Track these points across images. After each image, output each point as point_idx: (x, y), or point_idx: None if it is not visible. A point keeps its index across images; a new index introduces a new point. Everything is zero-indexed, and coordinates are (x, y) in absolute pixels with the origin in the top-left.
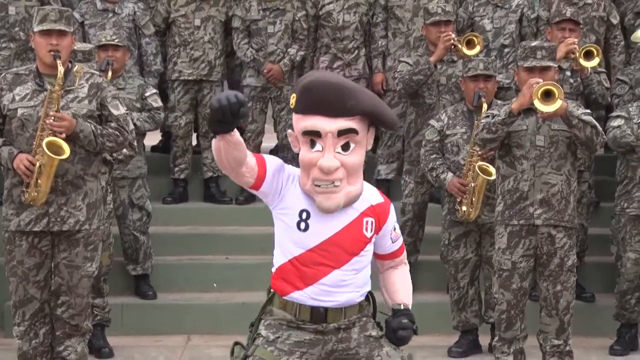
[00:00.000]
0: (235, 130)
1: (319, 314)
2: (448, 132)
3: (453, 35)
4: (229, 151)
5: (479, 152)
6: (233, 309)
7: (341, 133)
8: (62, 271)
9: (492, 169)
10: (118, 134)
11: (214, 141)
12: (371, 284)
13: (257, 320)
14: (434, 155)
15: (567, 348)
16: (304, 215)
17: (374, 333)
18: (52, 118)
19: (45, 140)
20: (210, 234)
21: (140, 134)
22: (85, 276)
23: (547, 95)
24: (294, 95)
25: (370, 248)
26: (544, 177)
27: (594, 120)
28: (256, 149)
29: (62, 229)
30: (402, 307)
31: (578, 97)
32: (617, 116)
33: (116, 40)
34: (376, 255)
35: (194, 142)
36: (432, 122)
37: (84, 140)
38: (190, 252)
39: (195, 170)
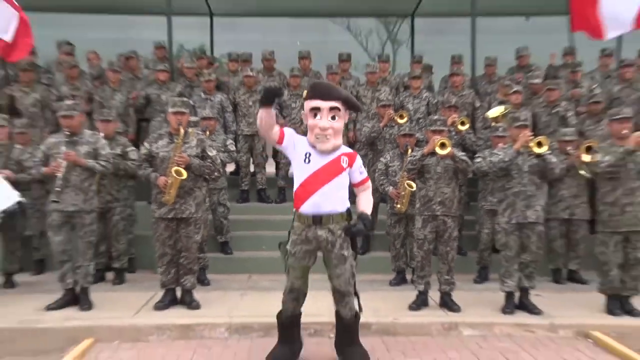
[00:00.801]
0: (272, 107)
1: (317, 218)
2: (390, 165)
3: (392, 112)
4: (267, 118)
5: (407, 176)
6: (272, 260)
7: (331, 109)
8: (182, 239)
9: (413, 185)
10: (211, 166)
11: (260, 110)
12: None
13: (288, 234)
14: (382, 177)
15: (452, 280)
16: (308, 155)
17: (345, 253)
18: (177, 157)
19: (173, 169)
20: (261, 219)
21: (224, 165)
22: (194, 242)
23: (442, 145)
24: (305, 91)
25: (345, 175)
26: (441, 188)
27: (467, 159)
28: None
29: (182, 216)
30: (362, 213)
31: (457, 146)
32: (478, 156)
33: (211, 115)
34: (353, 185)
35: (252, 169)
36: (381, 159)
37: (193, 169)
38: (250, 229)
39: (253, 185)
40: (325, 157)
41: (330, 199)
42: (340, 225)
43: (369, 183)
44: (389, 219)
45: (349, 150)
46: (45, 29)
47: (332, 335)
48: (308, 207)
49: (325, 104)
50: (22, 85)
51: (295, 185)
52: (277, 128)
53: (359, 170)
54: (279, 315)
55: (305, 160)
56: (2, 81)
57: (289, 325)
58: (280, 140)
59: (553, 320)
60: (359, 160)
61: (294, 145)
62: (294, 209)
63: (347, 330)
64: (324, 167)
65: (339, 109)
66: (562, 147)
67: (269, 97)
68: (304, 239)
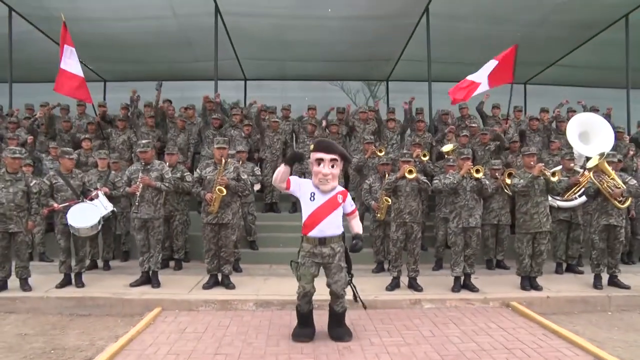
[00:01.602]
0: (283, 166)
1: (322, 240)
2: (372, 185)
3: (374, 148)
4: (283, 174)
5: (384, 193)
6: (287, 255)
7: (331, 159)
8: (222, 238)
9: (389, 200)
10: (244, 186)
11: (281, 166)
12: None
13: (298, 253)
14: (367, 195)
15: (417, 269)
16: (313, 194)
17: (342, 264)
18: (219, 179)
19: (217, 188)
20: (279, 224)
21: (252, 185)
22: (231, 240)
23: (410, 172)
24: (312, 144)
25: (341, 208)
26: (409, 203)
27: (427, 181)
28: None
29: (222, 222)
30: (357, 234)
31: (421, 172)
32: (435, 179)
33: (244, 149)
34: (345, 214)
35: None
36: (366, 181)
37: (231, 188)
38: (271, 232)
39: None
40: (326, 195)
41: (331, 226)
42: (339, 244)
43: (357, 212)
44: (371, 225)
45: (342, 188)
46: (128, 91)
47: None
48: (315, 233)
49: (327, 156)
50: (117, 130)
51: (304, 217)
52: (286, 176)
53: (350, 204)
54: (298, 310)
55: (310, 199)
56: (99, 130)
57: (305, 317)
58: (288, 187)
59: (486, 295)
60: (349, 197)
61: (299, 187)
62: (303, 234)
63: (338, 319)
64: (325, 203)
65: (337, 160)
66: (492, 173)
67: (294, 160)
68: (312, 254)
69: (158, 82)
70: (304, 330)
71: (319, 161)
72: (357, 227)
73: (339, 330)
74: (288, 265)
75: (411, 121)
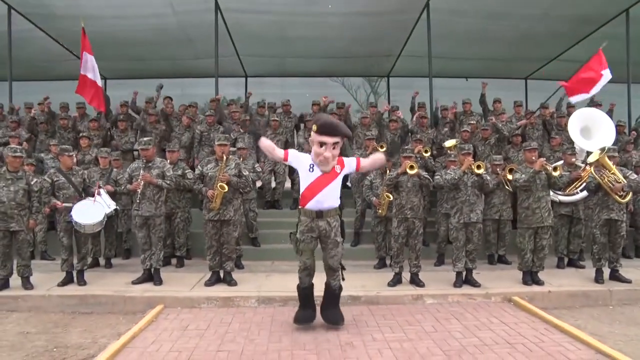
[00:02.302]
0: (262, 140)
1: (319, 213)
2: (373, 181)
3: (375, 144)
4: (264, 147)
5: (386, 189)
6: (289, 251)
7: (334, 142)
8: (224, 235)
9: (391, 196)
10: (245, 182)
11: (259, 145)
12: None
13: (296, 226)
14: (368, 191)
15: (419, 264)
16: (312, 165)
17: (338, 239)
18: (221, 176)
19: (218, 184)
20: (280, 221)
21: (253, 182)
22: (233, 237)
23: (411, 167)
24: (314, 125)
25: (339, 178)
26: (411, 198)
27: (429, 177)
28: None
29: (224, 219)
30: (388, 145)
31: (422, 168)
32: (437, 175)
33: (244, 146)
34: (357, 170)
35: (273, 185)
36: (367, 177)
37: (232, 185)
38: (273, 228)
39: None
40: (319, 169)
41: (328, 198)
42: (335, 218)
43: (362, 159)
44: (373, 221)
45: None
46: (128, 88)
47: None
48: (312, 205)
49: (330, 140)
50: (119, 131)
51: (302, 189)
52: (281, 151)
53: (350, 162)
54: (298, 287)
55: (309, 170)
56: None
57: (306, 294)
58: (285, 158)
59: (488, 290)
60: (347, 160)
61: (298, 160)
62: (300, 207)
63: (332, 297)
64: (322, 176)
65: (338, 142)
66: (494, 168)
67: (256, 137)
68: (309, 228)
69: (159, 84)
70: (306, 312)
71: (322, 143)
72: (374, 159)
73: (334, 311)
74: (290, 262)
75: (412, 111)
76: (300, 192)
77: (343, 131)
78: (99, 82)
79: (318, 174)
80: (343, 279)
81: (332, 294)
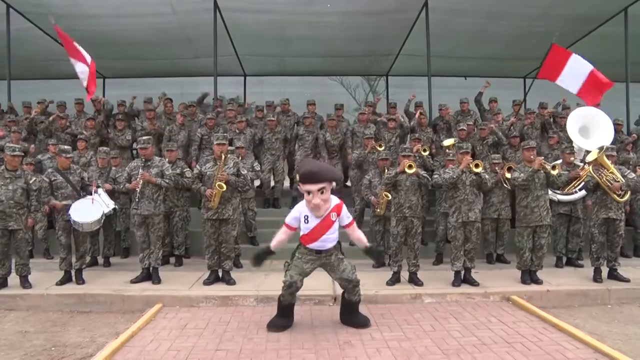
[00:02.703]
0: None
1: (320, 252)
2: (372, 180)
3: (374, 143)
4: (280, 244)
5: (384, 188)
6: (287, 250)
7: (319, 189)
8: (222, 234)
9: (389, 195)
10: (244, 181)
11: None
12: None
13: (292, 255)
14: (366, 190)
15: (417, 263)
16: (306, 217)
17: (340, 256)
18: (219, 175)
19: (217, 183)
20: (278, 220)
21: (252, 181)
22: (231, 236)
23: (410, 166)
24: (298, 175)
25: (336, 225)
26: (409, 197)
27: (427, 176)
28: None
29: (223, 218)
30: (369, 245)
31: (421, 167)
32: (435, 174)
33: (243, 145)
34: (343, 227)
35: (272, 184)
36: (366, 176)
37: (231, 184)
38: (271, 227)
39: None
40: (317, 216)
41: (328, 242)
42: (335, 247)
43: (354, 223)
44: (371, 220)
45: (337, 201)
46: (127, 88)
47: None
48: (313, 246)
49: (314, 187)
50: (117, 130)
51: (301, 234)
52: (284, 230)
53: (346, 216)
54: (279, 301)
55: (305, 221)
56: (101, 125)
57: (286, 308)
58: (293, 230)
59: (486, 290)
60: (344, 209)
61: (296, 217)
62: (301, 242)
63: (353, 308)
64: (320, 223)
65: (325, 187)
66: (492, 167)
67: (258, 264)
68: (310, 259)
69: (163, 93)
70: (281, 320)
71: (308, 192)
72: (362, 237)
73: (356, 317)
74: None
75: (406, 113)
76: (300, 235)
77: (326, 176)
78: (88, 65)
79: (315, 222)
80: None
81: (353, 305)
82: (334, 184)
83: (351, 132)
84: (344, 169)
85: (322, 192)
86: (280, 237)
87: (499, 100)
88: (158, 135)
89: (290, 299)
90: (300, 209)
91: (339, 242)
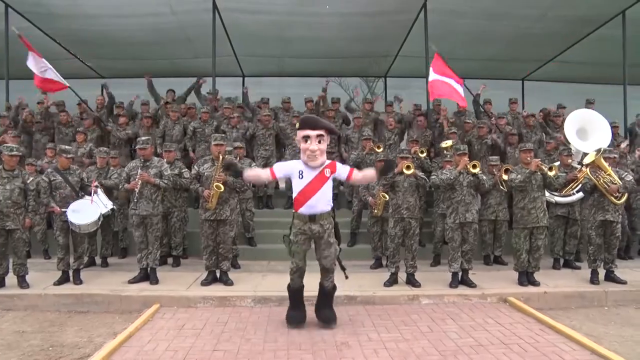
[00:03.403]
0: (245, 173)
1: (312, 217)
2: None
3: (372, 144)
4: (251, 178)
5: (382, 189)
6: (285, 251)
7: (318, 135)
8: (220, 235)
9: (387, 196)
10: (242, 181)
11: (244, 177)
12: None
13: (290, 229)
14: (364, 190)
15: (415, 264)
16: (301, 172)
17: (331, 240)
18: (217, 176)
19: (215, 184)
20: (276, 221)
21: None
22: (229, 237)
23: (408, 167)
24: (297, 124)
25: (330, 182)
26: (407, 198)
27: (425, 177)
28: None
29: (221, 218)
30: (383, 163)
31: (418, 168)
32: (433, 175)
33: (241, 145)
34: (346, 180)
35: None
36: None
37: (229, 184)
38: (269, 228)
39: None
40: (314, 171)
41: (320, 202)
42: (328, 220)
43: (355, 171)
44: (369, 221)
45: (330, 161)
46: (126, 88)
47: None
48: (305, 209)
49: (313, 132)
50: (118, 124)
51: (294, 194)
52: (267, 171)
53: (342, 170)
54: (289, 288)
55: (299, 176)
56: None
57: (297, 295)
58: (273, 176)
59: (484, 291)
60: (339, 165)
61: (286, 169)
62: (294, 211)
63: (326, 296)
64: (314, 179)
65: (323, 135)
66: (490, 169)
67: (236, 174)
68: (303, 231)
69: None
70: (296, 313)
71: (306, 138)
72: (366, 173)
73: (327, 312)
74: (287, 262)
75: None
76: (293, 197)
77: (325, 124)
78: (43, 75)
79: (309, 179)
80: (347, 277)
81: (325, 293)
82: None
83: (345, 137)
84: None
85: (319, 142)
86: (258, 171)
87: (498, 101)
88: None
89: (300, 281)
90: (294, 164)
91: (333, 212)
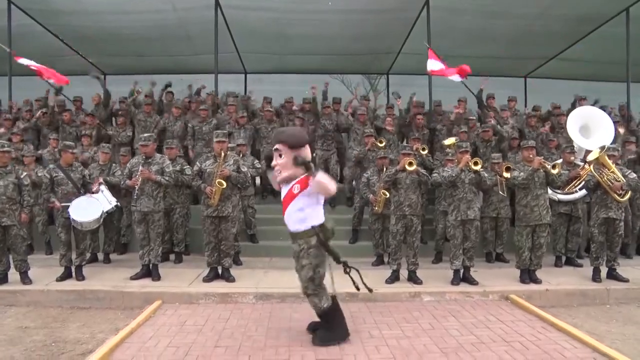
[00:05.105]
0: (319, 174)
1: (291, 234)
2: (370, 178)
3: (374, 140)
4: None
5: (383, 186)
6: (287, 248)
7: (275, 149)
8: (222, 231)
9: (387, 193)
10: (244, 177)
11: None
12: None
13: None
14: (365, 188)
15: (416, 262)
16: (281, 188)
17: (303, 263)
18: (219, 172)
19: (217, 180)
20: (278, 218)
21: (253, 178)
22: (231, 233)
23: (410, 164)
24: None
25: (299, 199)
26: (409, 196)
27: (427, 174)
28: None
29: (223, 215)
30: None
31: (420, 165)
32: (435, 172)
33: (243, 142)
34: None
35: None
36: (364, 174)
37: (231, 179)
38: (271, 225)
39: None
40: (286, 187)
41: (290, 220)
42: (305, 240)
43: (319, 175)
44: (370, 218)
45: (303, 176)
46: (128, 84)
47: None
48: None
49: (273, 148)
50: (118, 127)
51: None
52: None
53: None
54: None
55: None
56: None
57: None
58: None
59: (485, 288)
60: (312, 180)
61: None
62: None
63: (319, 316)
64: (285, 195)
65: (279, 149)
66: (492, 167)
67: (268, 162)
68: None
69: (169, 82)
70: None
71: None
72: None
73: (314, 328)
74: (288, 259)
75: (406, 119)
76: None
77: (282, 138)
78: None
79: (283, 194)
80: (370, 291)
81: (318, 315)
82: (303, 160)
83: (350, 125)
84: (340, 166)
85: (280, 155)
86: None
87: (499, 99)
88: (155, 126)
89: (327, 301)
90: None
91: (316, 233)
